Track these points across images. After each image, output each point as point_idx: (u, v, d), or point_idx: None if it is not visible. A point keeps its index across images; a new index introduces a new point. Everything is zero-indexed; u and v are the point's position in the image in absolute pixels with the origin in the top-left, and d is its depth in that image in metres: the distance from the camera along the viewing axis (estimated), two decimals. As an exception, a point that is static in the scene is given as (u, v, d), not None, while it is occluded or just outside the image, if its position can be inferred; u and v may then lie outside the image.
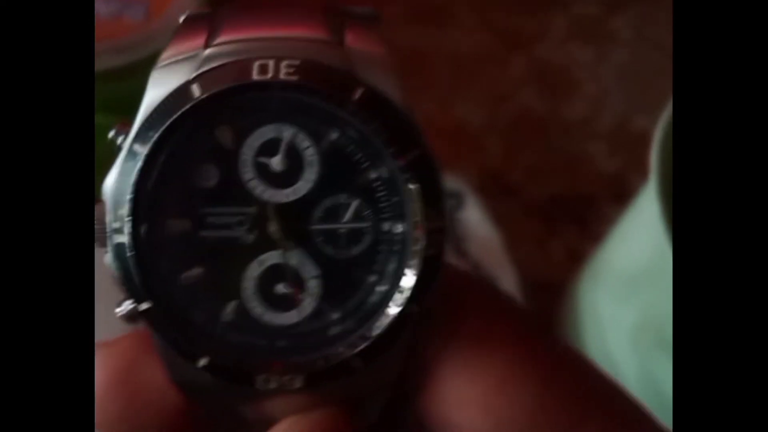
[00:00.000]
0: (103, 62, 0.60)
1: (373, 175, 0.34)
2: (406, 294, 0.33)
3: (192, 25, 0.34)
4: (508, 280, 0.77)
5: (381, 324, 0.33)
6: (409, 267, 0.33)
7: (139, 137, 0.33)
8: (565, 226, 0.86)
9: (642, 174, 0.60)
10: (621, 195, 0.81)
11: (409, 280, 0.33)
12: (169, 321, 0.33)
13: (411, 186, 0.33)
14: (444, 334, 0.34)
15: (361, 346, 0.33)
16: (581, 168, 0.90)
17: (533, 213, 0.87)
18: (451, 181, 0.81)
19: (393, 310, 0.33)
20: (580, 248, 0.82)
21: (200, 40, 0.33)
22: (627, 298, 0.67)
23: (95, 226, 0.33)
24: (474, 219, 0.80)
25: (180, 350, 0.33)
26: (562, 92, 0.95)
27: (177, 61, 0.33)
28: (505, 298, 0.36)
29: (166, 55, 0.34)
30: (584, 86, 0.96)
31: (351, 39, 0.33)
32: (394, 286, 0.33)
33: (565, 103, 0.94)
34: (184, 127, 0.33)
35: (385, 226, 0.34)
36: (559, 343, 0.36)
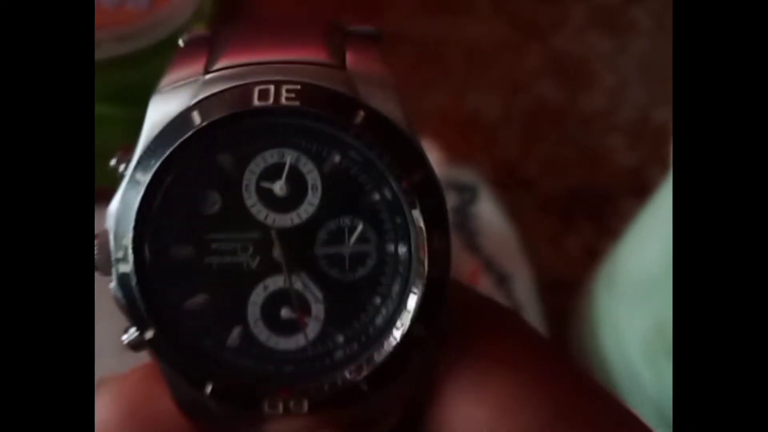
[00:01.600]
0: (105, 51, 0.59)
1: (376, 197, 0.34)
2: (411, 316, 0.33)
3: (192, 48, 0.34)
4: (522, 277, 0.75)
5: (386, 347, 0.33)
6: (413, 289, 0.33)
7: (141, 166, 0.32)
8: (582, 222, 0.84)
9: (662, 169, 0.59)
10: (640, 190, 0.79)
11: (413, 301, 0.33)
12: (174, 348, 0.33)
13: (414, 208, 0.32)
14: (454, 354, 0.33)
15: (368, 371, 0.33)
16: (599, 162, 0.88)
17: (549, 207, 0.85)
18: (465, 174, 0.80)
19: (398, 332, 0.33)
20: (597, 245, 0.81)
21: (200, 65, 0.33)
22: (642, 303, 0.66)
23: (98, 256, 0.33)
24: (488, 213, 0.78)
25: (186, 377, 0.33)
26: (580, 83, 0.93)
27: (177, 87, 0.33)
28: (523, 324, 0.36)
29: (167, 81, 0.34)
30: (603, 77, 0.94)
31: (352, 60, 0.33)
32: (399, 308, 0.33)
33: (583, 95, 0.92)
34: (186, 154, 0.33)
35: (390, 248, 0.34)
36: (576, 370, 0.35)
